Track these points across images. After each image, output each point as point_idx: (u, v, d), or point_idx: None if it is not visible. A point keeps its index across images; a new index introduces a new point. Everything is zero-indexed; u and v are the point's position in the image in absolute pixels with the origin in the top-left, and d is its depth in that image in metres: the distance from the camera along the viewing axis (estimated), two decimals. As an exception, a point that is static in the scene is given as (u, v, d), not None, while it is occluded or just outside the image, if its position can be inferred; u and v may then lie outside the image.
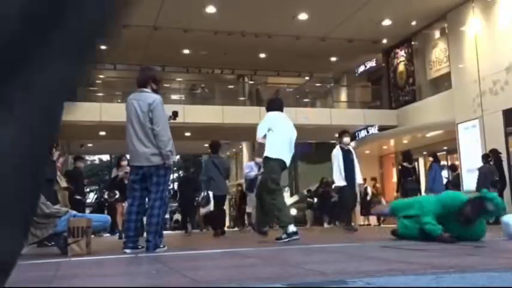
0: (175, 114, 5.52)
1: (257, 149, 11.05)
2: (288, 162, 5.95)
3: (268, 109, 6.25)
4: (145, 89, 4.88)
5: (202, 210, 9.38)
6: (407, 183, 10.90)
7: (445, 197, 4.95)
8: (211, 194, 9.09)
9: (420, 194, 10.97)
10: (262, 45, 16.78)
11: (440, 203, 4.72)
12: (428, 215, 4.57)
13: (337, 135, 9.17)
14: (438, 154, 13.16)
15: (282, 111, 6.23)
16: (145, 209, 4.91)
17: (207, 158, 9.75)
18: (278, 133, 5.91)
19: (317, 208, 15.94)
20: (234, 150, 24.71)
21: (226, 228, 11.19)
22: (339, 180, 8.49)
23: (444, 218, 4.53)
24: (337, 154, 8.57)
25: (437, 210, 4.59)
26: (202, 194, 9.36)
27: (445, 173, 13.90)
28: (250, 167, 10.72)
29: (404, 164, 10.99)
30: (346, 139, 8.79)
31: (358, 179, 8.75)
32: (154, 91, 4.91)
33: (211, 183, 9.24)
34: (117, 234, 9.72)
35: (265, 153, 5.88)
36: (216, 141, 9.94)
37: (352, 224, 9.20)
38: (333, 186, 9.20)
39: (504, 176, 11.28)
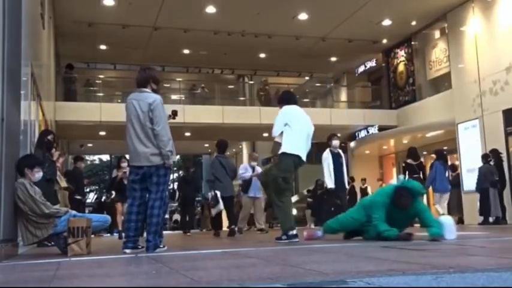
0: (174, 113, 5.48)
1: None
2: (304, 158, 5.76)
3: (283, 102, 5.98)
4: (145, 89, 4.86)
5: (213, 211, 9.11)
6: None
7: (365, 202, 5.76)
8: (219, 193, 8.86)
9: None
10: (262, 45, 16.77)
11: (362, 207, 5.53)
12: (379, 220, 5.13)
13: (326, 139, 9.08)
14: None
15: (296, 104, 6.01)
16: (145, 209, 4.88)
17: (213, 158, 9.29)
18: (295, 128, 5.71)
19: (310, 208, 15.95)
20: (233, 150, 24.68)
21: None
22: (329, 183, 8.72)
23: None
24: (327, 157, 8.80)
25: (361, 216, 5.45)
26: (210, 194, 9.11)
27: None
28: (245, 168, 10.45)
29: (408, 160, 10.51)
30: (335, 142, 8.94)
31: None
32: (154, 91, 4.91)
33: (217, 184, 9.00)
34: (117, 234, 9.78)
35: (282, 149, 5.65)
36: (223, 140, 9.61)
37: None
38: (325, 188, 9.30)
39: (504, 176, 11.29)
